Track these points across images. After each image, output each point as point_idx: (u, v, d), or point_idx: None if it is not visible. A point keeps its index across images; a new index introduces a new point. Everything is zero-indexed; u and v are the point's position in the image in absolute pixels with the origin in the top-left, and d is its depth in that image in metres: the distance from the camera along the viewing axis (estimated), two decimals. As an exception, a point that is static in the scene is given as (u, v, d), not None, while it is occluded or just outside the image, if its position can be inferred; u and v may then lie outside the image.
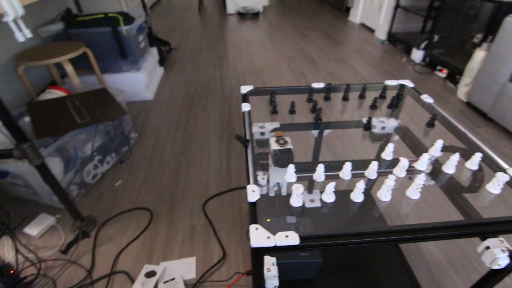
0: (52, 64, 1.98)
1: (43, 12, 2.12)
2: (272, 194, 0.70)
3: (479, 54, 2.08)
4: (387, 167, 0.78)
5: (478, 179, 0.73)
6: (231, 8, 4.76)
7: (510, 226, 0.59)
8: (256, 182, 0.68)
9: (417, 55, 2.88)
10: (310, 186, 0.72)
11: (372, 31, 3.82)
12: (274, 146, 0.76)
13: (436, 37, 2.79)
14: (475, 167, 0.75)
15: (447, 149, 0.81)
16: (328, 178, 0.73)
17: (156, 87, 2.58)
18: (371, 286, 1.02)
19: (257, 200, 0.64)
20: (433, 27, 2.81)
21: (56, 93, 1.62)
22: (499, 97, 1.89)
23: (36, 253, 1.25)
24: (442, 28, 2.79)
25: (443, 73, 2.61)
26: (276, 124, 0.96)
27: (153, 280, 1.13)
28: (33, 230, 1.32)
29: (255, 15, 4.63)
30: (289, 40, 3.62)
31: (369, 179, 0.73)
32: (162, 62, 2.88)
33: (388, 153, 0.80)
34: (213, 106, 2.30)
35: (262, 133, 0.93)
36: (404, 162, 0.72)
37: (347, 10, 4.51)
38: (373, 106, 1.06)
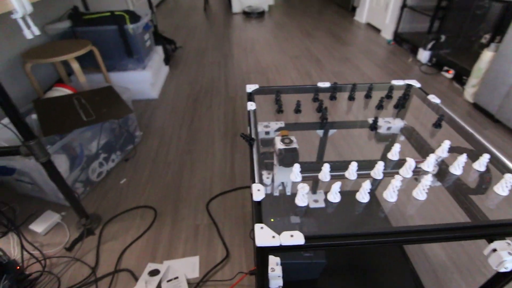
0: (58, 62, 2.00)
1: (50, 10, 2.14)
2: (276, 193, 0.69)
3: (486, 55, 2.06)
4: (393, 167, 0.77)
5: (486, 181, 0.72)
6: (236, 7, 4.75)
7: (518, 229, 0.58)
8: (261, 181, 0.68)
9: (424, 55, 2.85)
10: (315, 186, 0.71)
11: (378, 31, 3.79)
12: (279, 145, 0.76)
13: (443, 37, 2.76)
14: (483, 169, 0.74)
15: (454, 150, 0.80)
16: (334, 178, 0.72)
17: (161, 85, 2.59)
18: (375, 287, 1.01)
19: (262, 199, 0.63)
20: (440, 27, 2.78)
21: (62, 91, 1.64)
22: (507, 98, 1.86)
23: (41, 250, 1.26)
24: (449, 28, 2.76)
25: (449, 74, 2.59)
26: (281, 124, 0.96)
27: (156, 278, 1.13)
28: (38, 227, 1.33)
29: (260, 14, 4.63)
30: (294, 39, 3.61)
31: (375, 179, 0.72)
32: (167, 60, 2.88)
33: (394, 154, 0.79)
34: (218, 105, 2.30)
35: (267, 132, 0.92)
36: (410, 163, 0.72)
37: (353, 9, 4.48)
38: (379, 106, 1.05)
